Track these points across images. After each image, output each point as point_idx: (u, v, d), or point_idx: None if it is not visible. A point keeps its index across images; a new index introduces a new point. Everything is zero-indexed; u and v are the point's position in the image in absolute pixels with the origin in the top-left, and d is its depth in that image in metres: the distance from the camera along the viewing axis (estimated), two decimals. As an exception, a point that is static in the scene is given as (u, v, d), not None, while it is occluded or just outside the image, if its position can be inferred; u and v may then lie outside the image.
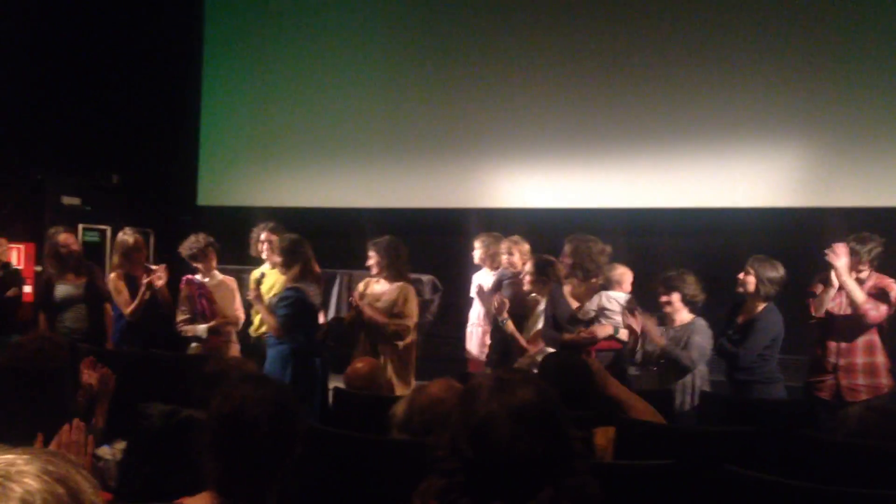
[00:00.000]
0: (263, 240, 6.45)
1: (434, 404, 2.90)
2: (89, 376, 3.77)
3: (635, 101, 8.25)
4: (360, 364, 4.30)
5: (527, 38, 8.77)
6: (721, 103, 7.94)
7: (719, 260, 6.98)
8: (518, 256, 6.37)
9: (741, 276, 5.22)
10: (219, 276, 6.33)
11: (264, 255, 6.46)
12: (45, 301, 6.26)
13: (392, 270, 5.83)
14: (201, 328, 6.08)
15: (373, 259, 5.89)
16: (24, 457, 1.01)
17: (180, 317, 6.15)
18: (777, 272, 5.13)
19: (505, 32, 8.89)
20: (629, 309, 5.28)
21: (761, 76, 7.84)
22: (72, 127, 9.10)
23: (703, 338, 5.14)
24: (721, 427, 3.83)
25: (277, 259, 5.78)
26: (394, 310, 5.73)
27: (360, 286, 6.06)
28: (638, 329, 5.21)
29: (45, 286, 6.30)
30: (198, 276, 6.22)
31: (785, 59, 7.80)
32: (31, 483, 0.97)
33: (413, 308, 5.78)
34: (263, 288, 6.16)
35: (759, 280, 5.11)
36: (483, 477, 1.80)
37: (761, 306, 5.13)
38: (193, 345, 6.13)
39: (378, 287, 5.88)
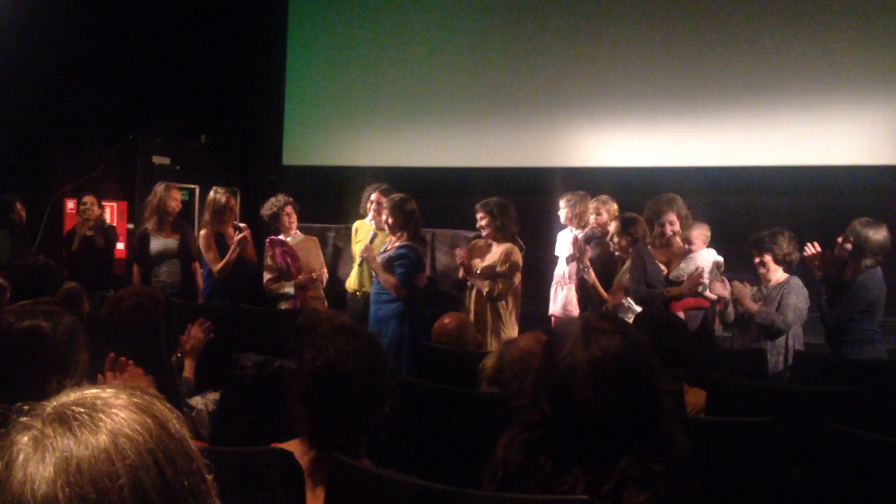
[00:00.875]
0: (374, 200, 6.48)
1: (524, 357, 2.88)
2: (189, 335, 3.87)
3: (724, 54, 7.97)
4: (447, 320, 4.28)
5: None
6: (815, 54, 7.59)
7: (815, 219, 6.78)
8: (606, 216, 6.31)
9: (840, 239, 5.02)
10: (300, 234, 6.42)
11: (370, 215, 6.52)
12: (140, 254, 6.44)
13: (500, 231, 5.83)
14: (288, 285, 6.17)
15: (483, 220, 5.88)
16: (110, 391, 1.01)
17: (267, 276, 6.25)
18: (880, 235, 4.89)
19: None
20: (716, 276, 5.19)
21: (857, 25, 7.46)
22: (162, 89, 9.27)
23: (797, 298, 5.00)
24: (817, 386, 3.71)
25: (389, 220, 5.81)
26: (496, 270, 5.74)
27: (466, 248, 6.09)
28: (727, 296, 5.11)
29: (140, 240, 6.48)
30: (281, 236, 6.31)
31: (881, 6, 7.43)
32: (119, 414, 0.98)
33: (515, 268, 5.77)
34: (358, 247, 6.27)
35: (860, 243, 4.89)
36: (562, 436, 1.73)
37: (862, 269, 4.92)
38: (282, 304, 6.24)
39: (487, 248, 5.89)
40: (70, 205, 8.41)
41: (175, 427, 1.02)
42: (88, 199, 7.29)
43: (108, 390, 1.02)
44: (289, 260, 6.21)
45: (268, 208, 6.36)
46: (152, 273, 6.35)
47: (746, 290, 5.10)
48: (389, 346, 5.49)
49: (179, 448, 1.00)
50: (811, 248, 5.05)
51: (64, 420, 0.96)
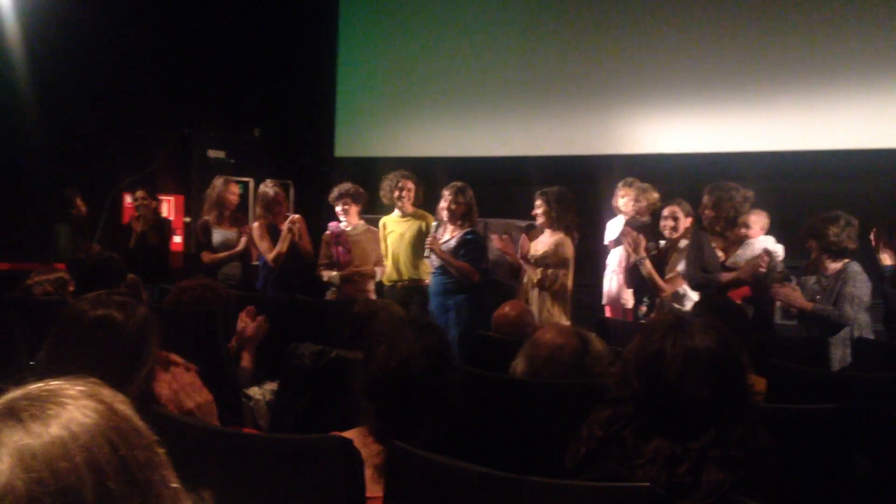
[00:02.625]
0: (404, 187, 6.49)
1: (554, 352, 2.81)
2: (245, 323, 3.92)
3: (780, 36, 7.81)
4: (507, 308, 4.26)
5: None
6: (872, 36, 7.37)
7: (877, 203, 6.62)
8: (645, 203, 6.26)
9: None
10: (363, 225, 6.45)
11: (396, 210, 6.54)
12: (204, 244, 6.58)
13: (555, 221, 5.79)
14: (335, 275, 6.22)
15: (539, 208, 5.87)
16: (57, 382, 1.05)
17: (321, 261, 6.33)
18: None
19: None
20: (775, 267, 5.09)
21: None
22: (216, 84, 9.40)
23: (857, 286, 4.72)
24: (877, 373, 3.63)
25: (452, 206, 5.84)
26: (547, 259, 5.73)
27: (527, 238, 6.07)
28: (779, 300, 4.99)
29: (203, 231, 6.61)
30: (342, 224, 6.35)
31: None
32: (68, 402, 1.01)
33: (566, 258, 5.73)
34: (392, 238, 6.30)
35: None
36: (648, 411, 1.79)
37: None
38: (329, 291, 6.30)
39: (542, 237, 5.89)
40: (128, 199, 8.57)
41: (121, 408, 1.05)
42: (140, 193, 7.43)
43: (55, 382, 1.04)
44: (340, 250, 6.26)
45: (335, 193, 6.42)
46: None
47: (795, 293, 4.88)
48: (460, 336, 5.54)
49: (129, 426, 1.03)
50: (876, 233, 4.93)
51: (13, 414, 0.98)
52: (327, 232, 6.35)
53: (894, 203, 5.66)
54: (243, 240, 6.52)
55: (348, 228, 6.34)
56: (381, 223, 6.56)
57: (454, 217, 5.85)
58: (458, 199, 5.81)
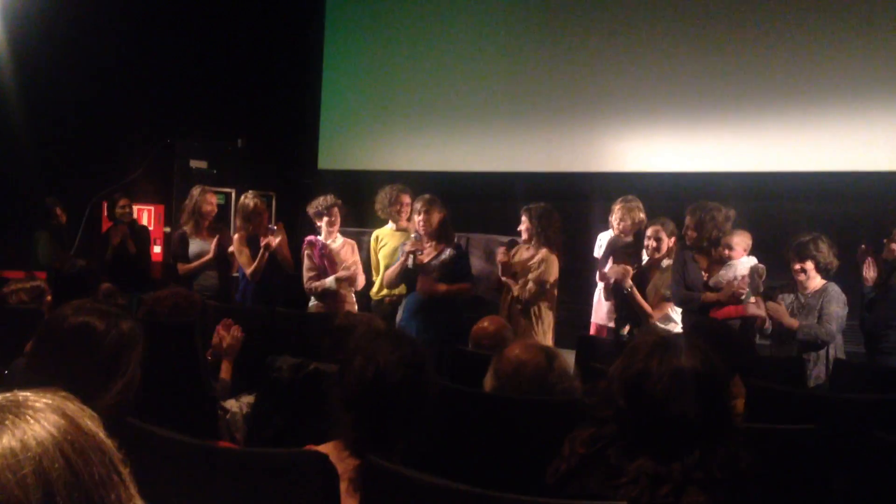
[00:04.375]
0: (407, 203, 6.47)
1: (518, 367, 2.82)
2: (221, 336, 3.89)
3: (762, 59, 7.87)
4: (486, 323, 4.26)
5: (651, -3, 8.53)
6: (855, 59, 7.45)
7: (855, 225, 6.68)
8: (630, 223, 6.27)
9: (885, 240, 4.96)
10: (341, 238, 6.42)
11: (391, 223, 6.53)
12: (181, 255, 6.53)
13: (540, 237, 5.80)
14: (329, 280, 6.17)
15: (523, 224, 5.88)
16: (22, 394, 1.03)
17: (306, 274, 6.26)
18: None
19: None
20: (757, 284, 5.13)
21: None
22: (200, 93, 9.36)
23: (838, 305, 4.90)
24: (855, 394, 3.64)
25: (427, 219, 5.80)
26: (530, 276, 5.72)
27: (506, 252, 6.06)
28: (763, 315, 5.04)
29: (180, 241, 6.56)
30: (320, 237, 6.32)
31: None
32: (27, 413, 0.99)
33: (548, 275, 5.73)
34: (382, 253, 6.28)
35: None
36: (632, 430, 1.78)
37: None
38: (312, 304, 6.26)
39: (525, 253, 5.88)
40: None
41: (86, 424, 1.03)
42: (123, 201, 7.37)
43: (23, 393, 1.03)
44: (326, 263, 6.23)
45: (314, 206, 6.36)
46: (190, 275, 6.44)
47: (782, 308, 5.00)
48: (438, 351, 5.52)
49: (91, 442, 1.01)
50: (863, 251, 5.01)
51: None
52: (308, 245, 6.30)
53: (875, 225, 5.69)
54: (213, 246, 6.44)
55: (328, 241, 6.30)
56: (373, 235, 6.56)
57: (430, 230, 5.80)
58: (431, 211, 5.77)
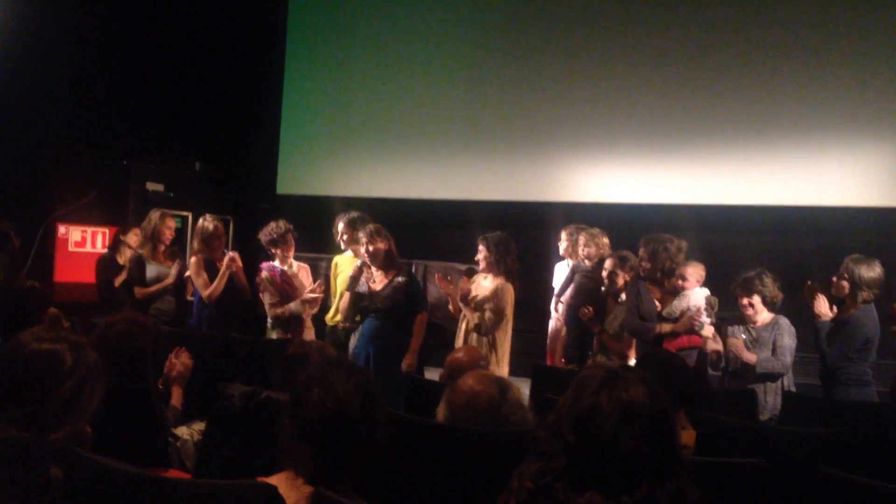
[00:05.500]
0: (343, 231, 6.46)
1: (470, 399, 2.82)
2: (171, 363, 3.83)
3: (718, 95, 8.05)
4: (460, 353, 4.25)
5: (608, 31, 8.66)
6: (807, 97, 7.68)
7: (806, 259, 6.81)
8: (594, 249, 6.35)
9: (835, 278, 5.08)
10: (295, 263, 6.38)
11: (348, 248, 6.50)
12: (137, 279, 6.42)
13: (497, 266, 5.82)
14: (293, 305, 6.12)
15: (481, 253, 5.89)
16: None
17: (269, 300, 6.19)
18: (874, 272, 4.98)
19: (586, 25, 8.79)
20: (710, 315, 5.25)
21: (850, 70, 7.57)
22: (157, 116, 9.28)
23: (791, 338, 5.05)
24: (807, 428, 3.69)
25: (371, 249, 5.79)
26: (487, 304, 5.74)
27: (467, 280, 6.08)
28: (719, 349, 5.14)
29: (136, 265, 6.45)
30: (276, 263, 6.27)
31: (875, 52, 7.51)
32: None
33: (505, 304, 5.75)
34: (340, 279, 6.25)
35: (855, 282, 4.97)
36: (581, 465, 1.79)
37: (857, 307, 4.97)
38: (275, 331, 6.19)
39: (483, 282, 5.89)
40: (62, 230, 8.39)
41: None
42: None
43: None
44: (287, 288, 6.19)
45: (266, 233, 6.29)
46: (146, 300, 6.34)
47: (741, 343, 5.08)
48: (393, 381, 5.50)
49: None
50: (810, 287, 5.14)
51: None
52: (264, 274, 6.22)
53: (824, 259, 5.83)
54: (174, 271, 6.37)
55: (284, 267, 6.27)
56: (333, 262, 6.54)
57: (376, 259, 5.80)
58: (374, 242, 5.76)
